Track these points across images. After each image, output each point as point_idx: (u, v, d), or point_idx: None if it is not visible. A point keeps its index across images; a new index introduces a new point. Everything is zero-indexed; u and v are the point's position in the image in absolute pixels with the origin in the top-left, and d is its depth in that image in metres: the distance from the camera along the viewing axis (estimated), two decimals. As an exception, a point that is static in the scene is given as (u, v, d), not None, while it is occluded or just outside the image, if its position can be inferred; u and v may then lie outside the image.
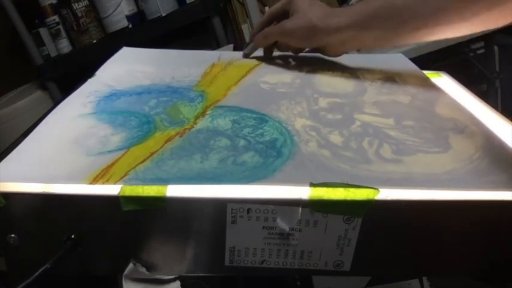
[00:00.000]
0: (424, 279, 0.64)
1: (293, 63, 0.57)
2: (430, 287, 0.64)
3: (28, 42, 1.37)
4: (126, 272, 0.32)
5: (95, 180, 0.31)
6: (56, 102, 0.45)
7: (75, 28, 1.33)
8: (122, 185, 0.30)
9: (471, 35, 0.46)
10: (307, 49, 0.57)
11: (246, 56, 0.59)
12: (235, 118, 0.41)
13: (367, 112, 0.43)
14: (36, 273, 0.28)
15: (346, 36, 0.48)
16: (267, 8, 1.37)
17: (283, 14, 0.54)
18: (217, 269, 0.33)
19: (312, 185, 0.30)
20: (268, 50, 0.59)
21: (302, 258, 0.32)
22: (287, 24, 0.52)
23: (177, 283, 0.35)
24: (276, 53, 0.59)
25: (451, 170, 0.33)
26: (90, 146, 0.36)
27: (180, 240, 0.32)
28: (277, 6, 0.57)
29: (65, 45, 1.37)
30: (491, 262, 0.33)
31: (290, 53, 0.58)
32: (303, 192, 0.30)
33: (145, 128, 0.39)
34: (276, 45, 0.58)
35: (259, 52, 0.59)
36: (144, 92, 0.47)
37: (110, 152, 0.35)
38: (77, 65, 1.26)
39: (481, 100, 0.47)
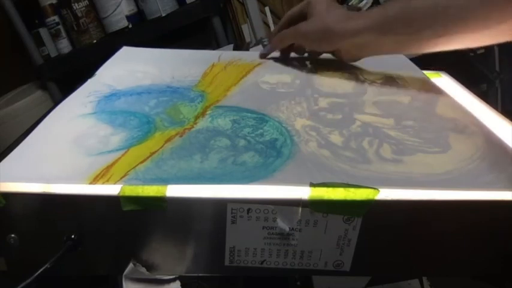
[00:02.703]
0: (424, 279, 0.64)
1: (293, 63, 0.57)
2: (430, 287, 0.64)
3: (28, 42, 1.37)
4: (126, 272, 0.32)
5: (95, 180, 0.31)
6: (56, 102, 0.45)
7: (75, 28, 1.33)
8: (122, 185, 0.30)
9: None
10: (324, 52, 0.56)
11: (262, 56, 0.59)
12: (235, 118, 0.41)
13: (367, 112, 0.43)
14: (36, 273, 0.28)
15: (363, 41, 0.47)
16: (267, 8, 1.37)
17: (301, 17, 0.54)
18: (217, 269, 0.33)
19: (312, 185, 0.30)
20: (285, 52, 0.58)
21: (302, 258, 0.32)
22: (302, 26, 0.52)
23: (177, 283, 0.35)
24: (277, 54, 0.59)
25: (451, 170, 0.33)
26: (90, 146, 0.36)
27: (180, 240, 0.32)
28: (295, 8, 0.57)
29: (65, 45, 1.38)
30: (491, 262, 0.33)
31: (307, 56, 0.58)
32: (303, 192, 0.30)
33: (145, 128, 0.39)
34: (292, 47, 0.57)
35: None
36: (144, 92, 0.47)
37: (110, 152, 0.35)
38: (77, 65, 1.26)
39: (481, 100, 0.47)
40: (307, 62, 0.57)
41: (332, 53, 0.54)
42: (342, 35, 0.48)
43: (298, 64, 0.57)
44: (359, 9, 1.06)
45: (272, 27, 1.34)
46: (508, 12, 0.37)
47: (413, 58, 0.59)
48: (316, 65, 0.56)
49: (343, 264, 0.33)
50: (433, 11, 0.42)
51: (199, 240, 0.32)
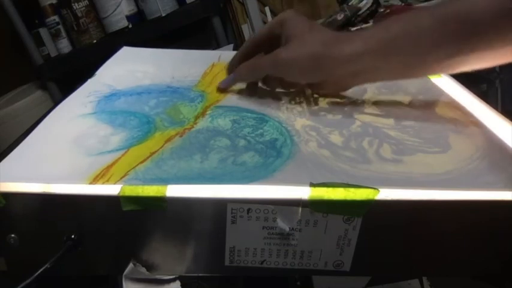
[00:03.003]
0: (424, 279, 0.64)
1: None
2: (430, 287, 0.64)
3: (28, 42, 1.37)
4: (126, 272, 0.32)
5: (95, 180, 0.31)
6: (56, 102, 0.45)
7: (75, 28, 1.33)
8: (122, 185, 0.30)
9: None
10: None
11: (220, 90, 0.47)
12: (235, 118, 0.41)
13: (367, 112, 0.43)
14: (36, 273, 0.29)
15: (361, 67, 0.39)
16: (267, 8, 1.37)
17: (272, 40, 0.43)
18: (217, 269, 0.33)
19: (312, 185, 0.30)
20: (253, 86, 0.47)
21: (302, 258, 0.32)
22: (284, 53, 0.41)
23: (177, 283, 0.35)
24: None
25: (451, 170, 0.33)
26: (90, 146, 0.36)
27: (180, 240, 0.32)
28: (263, 31, 0.45)
29: (65, 45, 1.38)
30: (491, 262, 0.33)
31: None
32: (303, 192, 0.30)
33: (145, 128, 0.39)
34: (264, 80, 0.46)
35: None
36: (144, 92, 0.47)
37: (110, 152, 0.35)
38: (77, 65, 1.26)
39: (481, 100, 0.47)
40: None
41: (315, 85, 0.44)
42: (335, 62, 0.39)
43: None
44: (359, 9, 1.06)
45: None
46: None
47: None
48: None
49: (343, 264, 0.33)
50: (444, 29, 0.35)
51: (199, 240, 0.32)
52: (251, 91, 0.47)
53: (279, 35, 0.42)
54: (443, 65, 0.37)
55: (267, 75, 0.44)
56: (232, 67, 0.47)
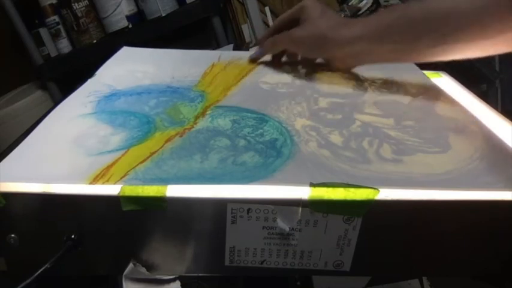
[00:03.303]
0: (424, 279, 0.64)
1: (293, 63, 0.57)
2: (430, 287, 0.64)
3: (28, 42, 1.37)
4: (126, 272, 0.32)
5: (95, 180, 0.31)
6: (56, 102, 0.45)
7: (75, 28, 1.33)
8: (122, 185, 0.30)
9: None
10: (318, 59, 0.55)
11: (252, 60, 0.57)
12: (235, 118, 0.41)
13: (367, 112, 0.43)
14: (36, 273, 0.28)
15: (358, 49, 0.46)
16: (267, 8, 1.37)
17: (294, 22, 0.52)
18: (217, 269, 0.33)
19: (312, 185, 0.30)
20: (276, 58, 0.57)
21: (302, 258, 0.32)
22: (296, 32, 0.50)
23: (177, 283, 0.35)
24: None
25: (451, 170, 0.33)
26: (90, 146, 0.36)
27: (180, 240, 0.32)
28: (287, 13, 0.55)
29: (65, 45, 1.38)
30: (491, 262, 0.33)
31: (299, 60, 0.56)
32: (303, 192, 0.30)
33: (145, 128, 0.39)
34: (284, 53, 0.56)
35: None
36: (144, 92, 0.47)
37: (109, 152, 0.35)
38: (77, 65, 1.26)
39: (481, 100, 0.47)
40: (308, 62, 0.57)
41: (325, 60, 0.53)
42: (336, 43, 0.47)
43: (298, 64, 0.56)
44: (359, 9, 1.06)
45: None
46: (509, 21, 0.36)
47: (413, 58, 0.59)
48: (316, 65, 0.55)
49: (343, 264, 0.33)
50: (431, 20, 0.41)
51: (199, 240, 0.32)
52: (276, 62, 0.56)
53: (298, 18, 0.51)
54: (431, 52, 0.42)
55: (287, 49, 0.54)
56: (261, 42, 0.56)
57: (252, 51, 0.58)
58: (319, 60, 0.55)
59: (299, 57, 0.56)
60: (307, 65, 0.55)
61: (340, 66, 0.52)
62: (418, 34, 0.42)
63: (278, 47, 0.54)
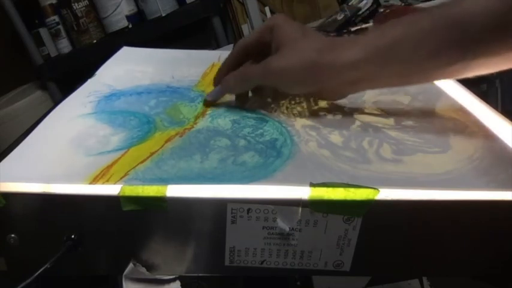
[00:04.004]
0: (424, 279, 0.64)
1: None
2: (430, 287, 0.64)
3: (28, 42, 1.37)
4: (126, 272, 0.32)
5: (94, 180, 0.31)
6: (56, 102, 0.45)
7: (75, 28, 1.33)
8: (121, 185, 0.30)
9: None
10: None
11: (208, 104, 0.44)
12: (235, 118, 0.41)
13: (367, 112, 0.43)
14: (36, 273, 0.29)
15: (358, 75, 0.36)
16: (267, 9, 1.37)
17: (261, 47, 0.41)
18: (217, 269, 0.33)
19: (312, 185, 0.30)
20: (242, 97, 0.44)
21: (302, 258, 0.32)
22: (275, 62, 0.38)
23: (177, 283, 0.35)
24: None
25: (451, 170, 0.33)
26: (90, 146, 0.36)
27: (180, 240, 0.32)
28: (251, 37, 0.42)
29: (65, 45, 1.38)
30: (491, 262, 0.33)
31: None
32: (303, 192, 0.30)
33: (145, 128, 0.39)
34: (254, 90, 0.44)
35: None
36: (144, 92, 0.47)
37: (109, 152, 0.35)
38: (77, 65, 1.26)
39: (481, 100, 0.47)
40: None
41: (307, 94, 0.42)
42: (332, 70, 0.36)
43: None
44: (359, 9, 1.06)
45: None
46: None
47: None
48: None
49: (343, 264, 0.33)
50: (446, 34, 0.33)
51: (199, 240, 0.32)
52: (241, 103, 0.44)
53: (269, 41, 0.40)
54: (445, 72, 0.36)
55: (258, 85, 0.42)
56: (219, 78, 0.43)
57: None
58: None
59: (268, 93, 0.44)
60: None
61: (330, 98, 0.42)
62: (431, 51, 0.34)
63: (249, 83, 0.41)
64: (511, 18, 0.31)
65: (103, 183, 0.31)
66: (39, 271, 0.29)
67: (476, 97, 0.47)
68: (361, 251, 0.32)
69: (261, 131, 0.39)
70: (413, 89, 0.49)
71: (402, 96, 0.47)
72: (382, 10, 1.05)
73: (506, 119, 0.41)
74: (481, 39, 0.32)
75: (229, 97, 0.45)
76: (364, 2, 1.06)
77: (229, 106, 0.44)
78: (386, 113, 0.43)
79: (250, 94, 0.45)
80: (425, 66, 0.35)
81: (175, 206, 0.30)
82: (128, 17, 1.29)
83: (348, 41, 0.38)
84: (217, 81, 0.44)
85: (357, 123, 0.41)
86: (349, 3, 1.08)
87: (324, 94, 0.41)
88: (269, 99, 0.45)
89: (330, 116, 0.42)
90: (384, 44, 0.35)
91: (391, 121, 0.41)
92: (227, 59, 0.43)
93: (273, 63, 0.38)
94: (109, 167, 0.33)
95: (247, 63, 0.42)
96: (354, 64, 0.36)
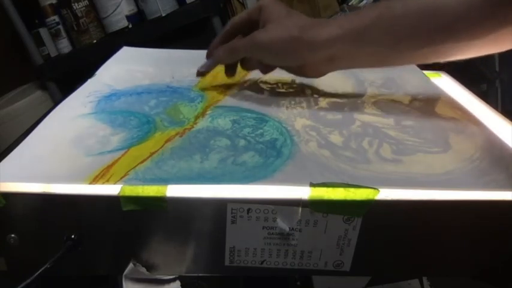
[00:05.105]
0: (424, 279, 0.64)
1: None
2: (430, 287, 0.64)
3: (28, 42, 1.37)
4: (126, 272, 0.32)
5: (94, 180, 0.31)
6: (56, 102, 0.45)
7: (75, 28, 1.33)
8: (121, 185, 0.30)
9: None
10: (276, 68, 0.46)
11: (200, 74, 0.48)
12: (235, 118, 0.41)
13: (367, 112, 0.43)
14: (36, 273, 0.28)
15: (335, 52, 0.39)
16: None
17: (251, 25, 0.44)
18: (217, 269, 0.33)
19: (312, 185, 0.30)
20: (231, 68, 0.48)
21: (302, 258, 0.32)
22: (260, 36, 0.41)
23: (177, 283, 0.35)
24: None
25: (451, 170, 0.33)
26: (90, 146, 0.36)
27: (180, 240, 0.32)
28: (242, 14, 0.46)
29: (65, 45, 1.37)
30: (491, 262, 0.33)
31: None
32: (303, 192, 0.30)
33: (145, 128, 0.39)
34: (242, 62, 0.47)
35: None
36: (144, 92, 0.47)
37: (109, 152, 0.35)
38: (77, 65, 1.26)
39: (481, 100, 0.47)
40: None
41: (292, 69, 0.44)
42: (310, 45, 0.40)
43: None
44: (359, 9, 1.06)
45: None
46: (498, 20, 0.34)
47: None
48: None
49: (343, 264, 0.33)
50: (416, 19, 0.36)
51: (199, 240, 0.32)
52: (229, 73, 0.48)
53: (257, 20, 0.43)
54: (416, 55, 0.38)
55: (245, 57, 0.45)
56: (211, 51, 0.47)
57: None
58: (278, 72, 0.46)
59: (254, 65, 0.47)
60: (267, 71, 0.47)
61: (311, 74, 0.44)
62: (402, 35, 0.37)
63: (236, 55, 0.45)
64: (485, 8, 0.33)
65: (103, 183, 0.31)
66: (39, 271, 0.29)
67: (476, 97, 0.47)
68: (361, 251, 0.32)
69: (261, 131, 0.39)
70: (413, 89, 0.49)
71: (402, 96, 0.47)
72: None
73: (506, 119, 0.41)
74: (451, 27, 0.35)
75: (230, 93, 0.46)
76: (364, 2, 1.06)
77: (229, 106, 0.44)
78: (386, 113, 0.43)
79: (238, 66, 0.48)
80: (396, 49, 0.38)
81: (175, 206, 0.30)
82: (128, 17, 1.29)
83: (329, 21, 0.41)
84: (209, 54, 0.48)
85: (357, 123, 0.41)
86: (349, 3, 1.08)
87: (305, 71, 0.44)
88: (266, 96, 0.47)
89: (330, 116, 0.42)
90: (359, 25, 0.38)
91: (391, 121, 0.41)
92: (219, 35, 0.47)
93: (258, 36, 0.42)
94: (109, 167, 0.33)
95: (237, 38, 0.45)
96: (330, 41, 0.39)
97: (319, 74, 0.44)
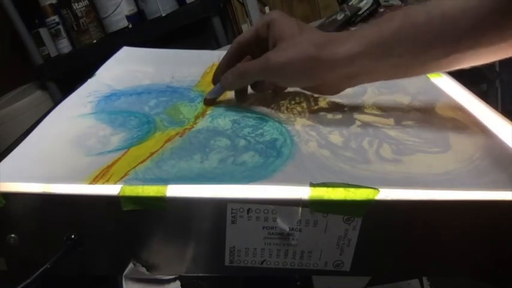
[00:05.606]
0: (424, 279, 0.64)
1: None
2: (430, 287, 0.64)
3: (28, 42, 1.37)
4: (126, 272, 0.32)
5: (94, 180, 0.31)
6: (56, 102, 0.45)
7: (75, 28, 1.33)
8: (121, 185, 0.30)
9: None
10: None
11: (208, 102, 0.44)
12: (235, 118, 0.41)
13: (367, 112, 0.43)
14: (36, 273, 0.28)
15: (356, 69, 0.37)
16: (267, 8, 1.37)
17: (258, 44, 0.41)
18: (217, 269, 0.33)
19: (312, 185, 0.30)
20: (242, 94, 0.44)
21: (302, 258, 0.32)
22: (275, 57, 0.38)
23: (177, 283, 0.35)
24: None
25: (451, 170, 0.33)
26: (90, 146, 0.36)
27: (180, 240, 0.32)
28: (248, 33, 0.42)
29: (65, 45, 1.38)
30: (491, 262, 0.33)
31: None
32: (303, 192, 0.30)
33: (145, 128, 0.39)
34: (254, 85, 0.43)
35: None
36: (144, 92, 0.47)
37: (109, 152, 0.35)
38: (77, 65, 1.26)
39: (481, 100, 0.47)
40: None
41: (309, 88, 0.42)
42: (331, 64, 0.37)
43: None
44: (359, 9, 1.06)
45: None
46: None
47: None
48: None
49: (343, 264, 0.33)
50: (439, 26, 0.34)
51: (199, 240, 0.32)
52: (240, 99, 0.44)
53: (266, 37, 0.40)
54: (441, 63, 0.36)
55: (257, 81, 0.42)
56: (218, 76, 0.44)
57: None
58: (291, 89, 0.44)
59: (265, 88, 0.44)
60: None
61: (328, 92, 0.42)
62: (426, 44, 0.35)
63: (247, 79, 0.41)
64: (505, 11, 0.31)
65: (103, 183, 0.31)
66: (39, 271, 0.29)
67: (476, 97, 0.47)
68: (361, 251, 0.32)
69: (261, 131, 0.39)
70: (413, 89, 0.49)
71: (402, 96, 0.47)
72: (382, 10, 1.05)
73: (506, 119, 0.41)
74: (475, 31, 0.33)
75: (230, 95, 0.46)
76: (364, 2, 1.06)
77: (229, 106, 0.44)
78: (386, 113, 0.43)
79: (250, 91, 0.45)
80: (421, 59, 0.36)
81: (175, 206, 0.30)
82: (128, 17, 1.29)
83: (345, 35, 0.38)
84: (215, 79, 0.45)
85: (357, 123, 0.41)
86: (349, 3, 1.08)
87: (321, 89, 0.41)
88: (268, 97, 0.45)
89: (330, 116, 0.42)
90: (380, 38, 0.35)
91: (391, 121, 0.41)
92: (225, 57, 0.44)
93: (271, 58, 0.38)
94: (109, 167, 0.33)
95: (245, 60, 0.42)
96: (351, 58, 0.36)
97: (337, 91, 0.42)
